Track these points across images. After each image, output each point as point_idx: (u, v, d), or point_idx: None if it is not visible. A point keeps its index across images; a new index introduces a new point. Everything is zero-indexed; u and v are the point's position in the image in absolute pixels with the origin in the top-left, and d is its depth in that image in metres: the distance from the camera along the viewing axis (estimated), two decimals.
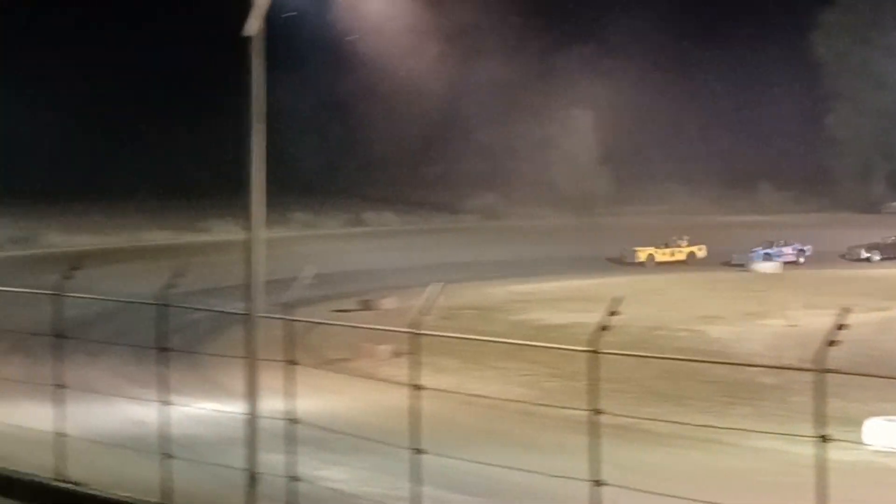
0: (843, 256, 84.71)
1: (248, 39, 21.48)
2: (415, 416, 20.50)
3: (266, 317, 22.43)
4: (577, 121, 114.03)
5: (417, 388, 20.52)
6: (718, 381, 39.69)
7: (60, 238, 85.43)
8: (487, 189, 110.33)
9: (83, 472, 26.06)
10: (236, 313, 25.44)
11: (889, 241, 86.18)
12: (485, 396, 35.12)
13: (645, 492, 19.16)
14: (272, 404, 22.91)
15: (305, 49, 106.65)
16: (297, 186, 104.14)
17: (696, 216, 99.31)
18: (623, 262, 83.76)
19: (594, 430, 18.41)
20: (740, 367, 41.46)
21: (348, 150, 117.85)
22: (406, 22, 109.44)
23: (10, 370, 38.93)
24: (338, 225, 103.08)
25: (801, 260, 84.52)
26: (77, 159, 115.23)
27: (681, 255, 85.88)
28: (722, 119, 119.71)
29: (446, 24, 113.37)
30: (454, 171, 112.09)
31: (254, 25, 21.36)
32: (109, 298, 38.90)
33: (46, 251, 77.24)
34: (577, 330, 46.74)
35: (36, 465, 26.81)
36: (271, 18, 21.64)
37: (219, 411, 32.61)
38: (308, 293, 22.72)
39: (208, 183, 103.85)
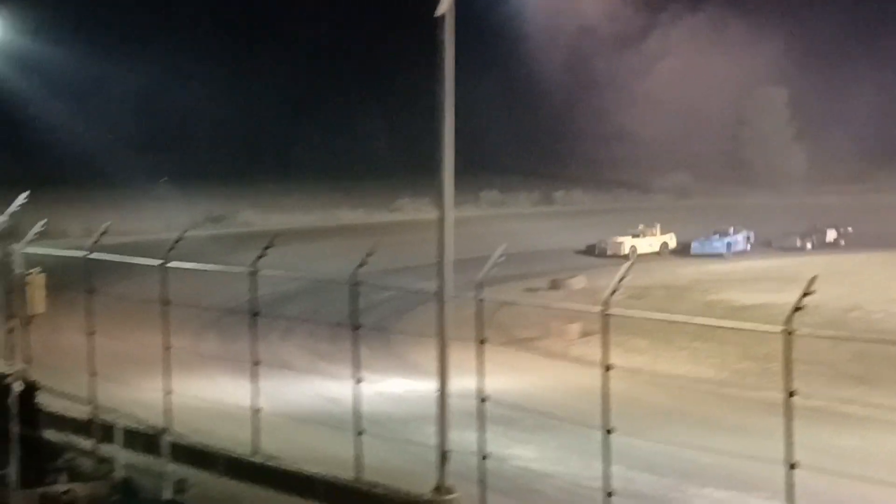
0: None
1: (438, 19, 21.63)
2: (605, 395, 20.44)
3: (457, 296, 22.59)
4: (769, 98, 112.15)
5: (607, 367, 20.45)
6: None
7: (256, 217, 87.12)
8: (679, 168, 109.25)
9: (278, 447, 26.62)
10: (427, 292, 25.62)
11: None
12: (675, 376, 34.83)
13: (840, 475, 18.82)
14: (462, 382, 23.08)
15: (495, 29, 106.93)
16: (488, 166, 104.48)
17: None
18: (603, 255, 74.39)
19: (788, 411, 18.14)
20: None
21: (539, 130, 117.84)
22: (594, 2, 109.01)
23: (206, 346, 39.90)
24: (528, 204, 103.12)
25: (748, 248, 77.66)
26: (272, 140, 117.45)
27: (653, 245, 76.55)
28: None
29: (634, 2, 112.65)
30: (645, 150, 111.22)
31: (444, 5, 21.50)
32: (303, 276, 39.61)
33: (242, 230, 78.87)
34: (769, 310, 46.07)
35: (233, 439, 27.47)
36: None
37: (410, 389, 33.01)
38: (498, 272, 22.75)
39: (401, 163, 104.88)
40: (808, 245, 79.90)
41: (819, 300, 18.71)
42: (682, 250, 76.72)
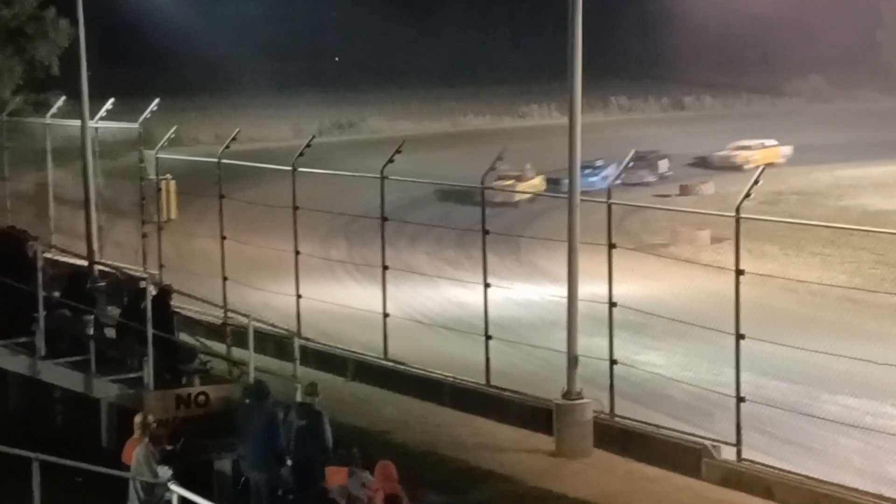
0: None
1: None
2: (736, 301, 20.23)
3: (586, 200, 22.44)
4: None
5: (739, 272, 20.21)
6: None
7: (383, 124, 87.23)
8: (812, 71, 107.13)
9: (406, 352, 26.81)
10: (557, 196, 25.48)
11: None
12: (807, 282, 34.33)
13: None
14: (591, 288, 22.98)
15: None
16: (617, 71, 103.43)
17: None
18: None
19: None
20: None
21: (669, 35, 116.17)
22: None
23: (335, 251, 40.19)
24: (657, 109, 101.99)
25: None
26: (399, 47, 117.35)
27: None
28: None
29: None
30: (778, 54, 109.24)
31: None
32: (432, 182, 39.61)
33: (369, 136, 79.05)
34: None
35: (362, 343, 27.73)
36: None
37: (538, 294, 32.96)
38: (628, 177, 22.55)
39: (528, 68, 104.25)
40: None
41: None
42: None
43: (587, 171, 52.31)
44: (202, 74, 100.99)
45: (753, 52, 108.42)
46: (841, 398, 23.70)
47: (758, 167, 22.24)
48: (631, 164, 24.51)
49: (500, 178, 50.83)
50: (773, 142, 72.73)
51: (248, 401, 18.66)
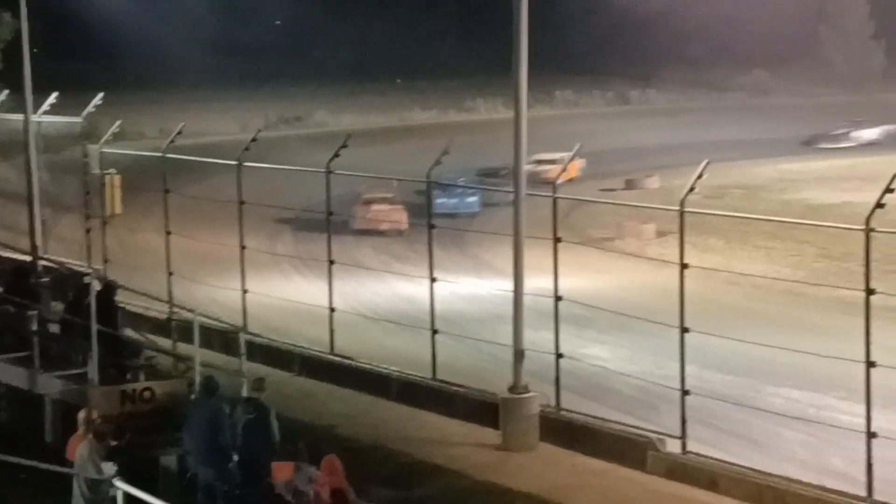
0: None
1: None
2: (681, 295, 20.35)
3: (532, 194, 22.49)
4: None
5: (683, 266, 20.33)
6: None
7: (329, 118, 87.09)
8: (756, 66, 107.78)
9: (353, 346, 26.79)
10: (501, 190, 25.55)
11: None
12: (751, 275, 34.59)
13: None
14: (537, 282, 23.04)
15: None
16: (562, 65, 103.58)
17: None
18: None
19: (867, 310, 17.97)
20: None
21: (614, 29, 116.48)
22: None
23: (281, 246, 40.12)
24: (602, 104, 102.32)
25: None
26: (345, 41, 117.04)
27: None
28: None
29: None
30: (721, 49, 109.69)
31: None
32: (377, 176, 39.56)
33: (316, 131, 78.87)
34: (848, 210, 45.57)
35: (309, 338, 27.69)
36: None
37: (484, 289, 33.04)
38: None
39: (473, 63, 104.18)
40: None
41: None
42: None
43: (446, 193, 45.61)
44: (148, 68, 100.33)
45: (698, 48, 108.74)
46: (784, 391, 23.93)
47: (559, 181, 22.35)
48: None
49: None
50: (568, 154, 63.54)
51: (194, 396, 18.59)
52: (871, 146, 74.70)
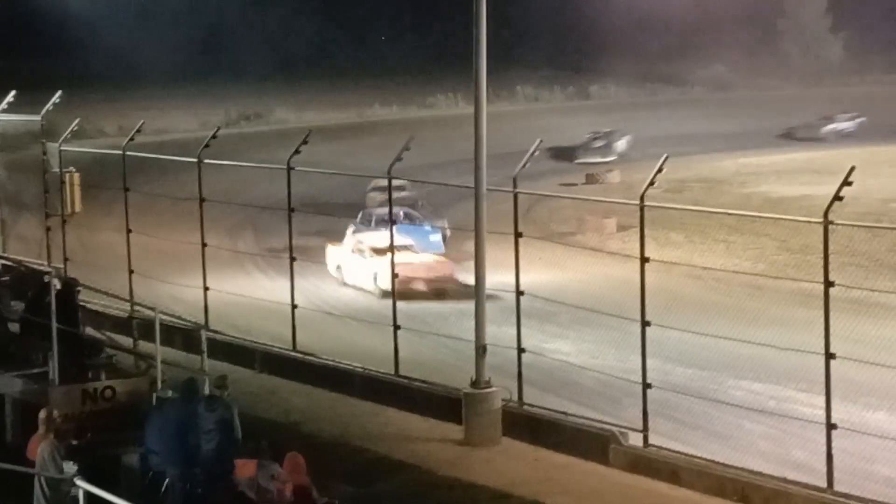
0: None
1: None
2: (642, 288, 20.42)
3: (493, 189, 22.52)
4: None
5: (644, 260, 20.41)
6: None
7: (289, 114, 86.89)
8: (715, 60, 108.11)
9: (315, 343, 26.77)
10: (463, 186, 25.57)
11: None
12: (712, 269, 34.71)
13: (878, 365, 18.80)
14: (499, 277, 23.08)
15: None
16: (523, 61, 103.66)
17: None
18: None
19: (826, 302, 18.09)
20: None
21: (574, 24, 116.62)
22: None
23: (243, 243, 39.99)
24: (563, 98, 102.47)
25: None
26: (306, 38, 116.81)
27: None
28: None
29: None
30: (681, 44, 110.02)
31: None
32: (339, 172, 39.52)
33: (276, 127, 78.72)
34: (807, 202, 45.77)
35: (271, 335, 27.64)
36: None
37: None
38: (534, 167, 22.66)
39: (434, 59, 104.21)
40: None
41: (858, 191, 18.57)
42: None
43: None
44: (107, 66, 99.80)
45: (657, 42, 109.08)
46: (746, 383, 24.02)
47: None
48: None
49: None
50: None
51: (163, 395, 18.56)
52: (847, 137, 75.41)
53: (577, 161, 68.01)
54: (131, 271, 29.91)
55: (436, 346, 27.10)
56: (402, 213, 37.91)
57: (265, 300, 28.71)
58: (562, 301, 25.23)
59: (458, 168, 54.54)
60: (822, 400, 18.21)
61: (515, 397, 22.22)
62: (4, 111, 32.79)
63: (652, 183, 20.08)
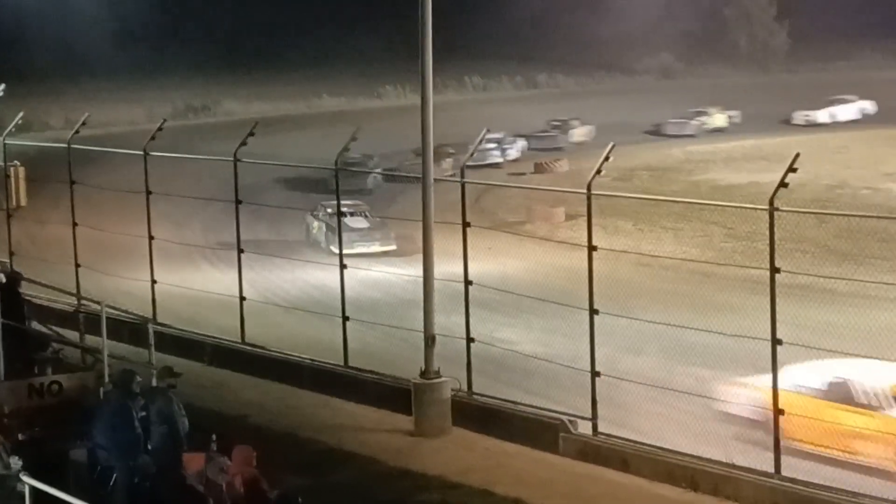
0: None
1: None
2: (590, 277, 20.46)
3: (440, 179, 22.50)
4: None
5: (591, 249, 20.45)
6: None
7: (237, 106, 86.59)
8: (662, 49, 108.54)
9: (264, 335, 26.67)
10: (410, 176, 25.53)
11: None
12: (660, 256, 34.88)
13: (824, 350, 18.92)
14: (447, 267, 23.07)
15: None
16: (471, 50, 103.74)
17: (879, 71, 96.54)
18: None
19: (772, 289, 18.19)
20: None
21: (520, 13, 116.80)
22: None
23: (190, 236, 39.80)
24: (511, 88, 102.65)
25: None
26: (252, 29, 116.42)
27: None
28: None
29: None
30: (628, 32, 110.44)
31: None
32: (285, 164, 39.40)
33: (223, 119, 78.41)
34: (754, 189, 46.05)
35: (219, 327, 27.52)
36: None
37: (394, 274, 33.01)
38: (482, 156, 22.68)
39: (383, 49, 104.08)
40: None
41: (805, 178, 18.68)
42: None
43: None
44: (52, 58, 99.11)
45: (604, 30, 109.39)
46: (694, 370, 24.08)
47: None
48: None
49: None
50: None
51: (104, 389, 18.43)
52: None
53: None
54: (77, 265, 29.70)
55: (386, 337, 27.05)
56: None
57: (214, 293, 28.57)
58: (511, 290, 25.25)
59: (407, 158, 54.71)
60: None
61: (465, 387, 22.22)
62: None
63: (599, 171, 20.12)
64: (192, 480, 16.00)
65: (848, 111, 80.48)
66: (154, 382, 18.96)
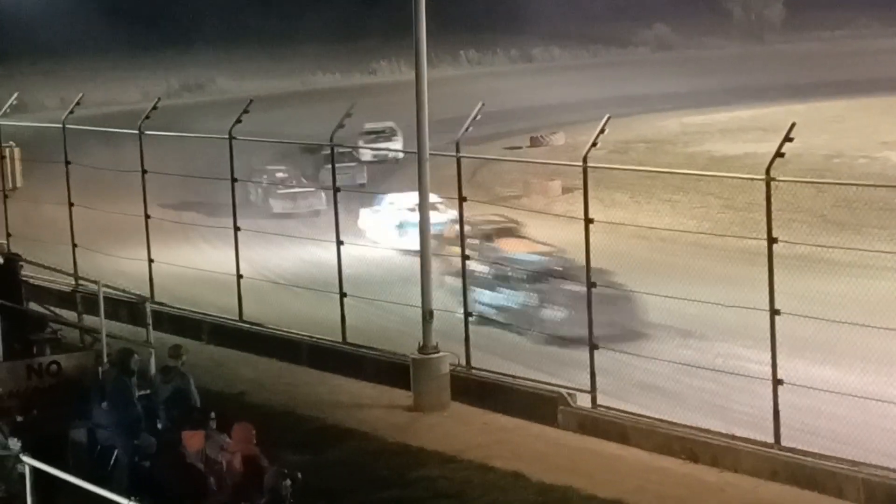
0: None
1: None
2: (587, 249, 20.45)
3: (435, 154, 22.45)
4: None
5: (588, 221, 20.43)
6: None
7: (231, 84, 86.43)
8: (657, 20, 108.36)
9: (262, 312, 26.67)
10: (405, 151, 25.48)
11: None
12: (657, 228, 34.82)
13: (822, 320, 18.90)
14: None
15: None
16: (466, 25, 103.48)
17: (875, 40, 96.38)
18: None
19: (770, 259, 18.17)
20: None
21: None
22: None
23: (187, 214, 39.73)
24: (506, 62, 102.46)
25: None
26: (247, 6, 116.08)
27: None
28: None
29: None
30: (622, 4, 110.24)
31: None
32: (280, 141, 39.35)
33: (218, 97, 78.24)
34: (751, 160, 45.97)
35: (217, 305, 27.52)
36: None
37: (392, 249, 33.01)
38: (477, 131, 22.61)
39: (377, 25, 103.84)
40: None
41: (801, 148, 18.63)
42: None
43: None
44: (46, 37, 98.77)
45: (598, 3, 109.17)
46: (693, 341, 24.11)
47: None
48: None
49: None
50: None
51: (104, 368, 18.44)
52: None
53: None
54: (75, 245, 29.67)
55: (383, 314, 27.04)
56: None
57: (211, 271, 28.56)
58: (507, 264, 25.25)
59: (406, 132, 54.60)
60: (768, 356, 18.32)
61: (463, 362, 22.23)
62: None
63: (594, 144, 20.09)
64: (191, 459, 16.00)
65: None
66: (154, 362, 18.98)
